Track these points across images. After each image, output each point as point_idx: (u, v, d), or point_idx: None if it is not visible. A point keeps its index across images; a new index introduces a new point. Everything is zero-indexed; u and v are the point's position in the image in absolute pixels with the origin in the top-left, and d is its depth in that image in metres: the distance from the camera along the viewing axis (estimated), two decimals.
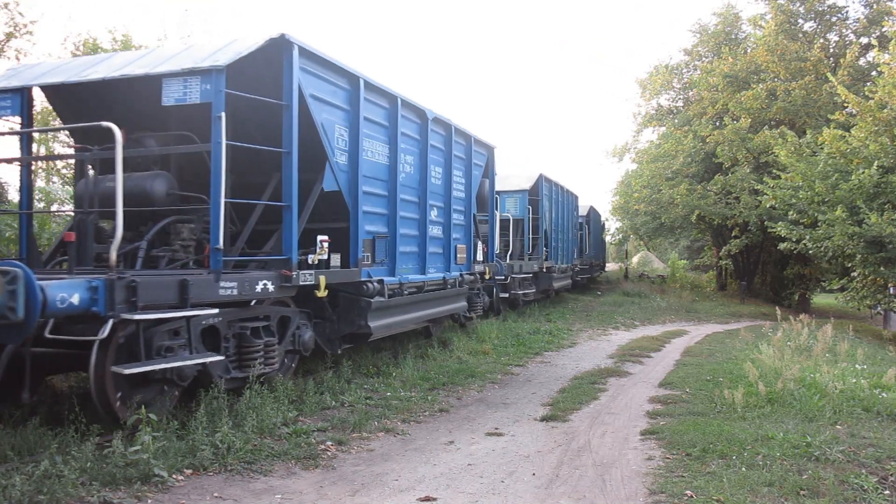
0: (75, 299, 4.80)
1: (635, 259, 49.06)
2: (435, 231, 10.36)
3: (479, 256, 12.48)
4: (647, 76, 31.58)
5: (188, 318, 5.66)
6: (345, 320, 8.16)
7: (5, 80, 7.07)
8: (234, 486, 4.78)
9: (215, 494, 4.61)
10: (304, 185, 6.99)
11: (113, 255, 5.18)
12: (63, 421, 5.35)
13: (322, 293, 7.20)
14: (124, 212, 5.43)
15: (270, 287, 6.51)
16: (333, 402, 7.21)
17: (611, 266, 40.71)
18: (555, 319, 16.87)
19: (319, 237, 7.19)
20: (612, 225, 38.19)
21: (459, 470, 5.31)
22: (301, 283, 6.84)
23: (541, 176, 18.57)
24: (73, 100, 7.45)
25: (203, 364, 5.87)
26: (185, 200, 7.13)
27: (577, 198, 24.03)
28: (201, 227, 6.99)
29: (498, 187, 16.34)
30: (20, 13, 17.08)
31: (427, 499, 4.66)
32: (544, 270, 18.59)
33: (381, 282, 8.40)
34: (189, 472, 4.94)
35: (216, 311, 5.89)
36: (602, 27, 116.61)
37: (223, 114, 5.84)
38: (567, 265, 22.06)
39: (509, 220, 16.91)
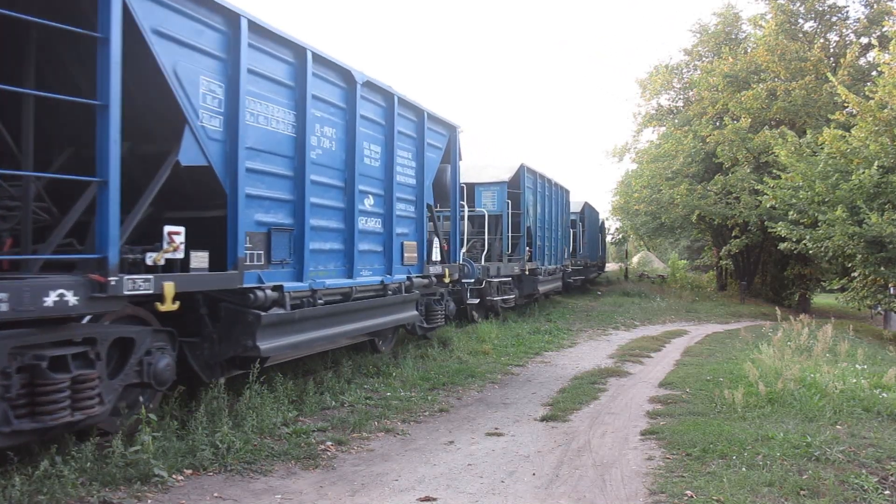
0: None
1: (635, 259, 49.09)
2: (369, 224, 8.35)
3: (437, 256, 10.47)
4: (647, 76, 31.61)
5: None
6: (227, 340, 6.13)
7: None
8: (234, 486, 4.78)
9: (215, 494, 4.61)
10: (152, 158, 5.44)
11: None
12: None
13: (168, 306, 5.15)
14: None
15: (72, 299, 4.46)
16: (333, 402, 7.21)
17: (611, 266, 40.73)
18: (555, 319, 16.86)
19: (167, 228, 5.23)
20: (612, 225, 38.28)
21: (459, 470, 5.31)
22: (128, 291, 4.80)
23: (522, 166, 16.29)
24: None
25: None
26: None
27: (567, 192, 22.29)
28: None
29: (472, 179, 14.89)
30: None
31: (427, 499, 4.66)
32: (527, 273, 16.49)
33: (278, 288, 6.47)
34: (189, 472, 4.94)
35: None
36: (602, 27, 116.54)
37: None
38: (556, 266, 20.06)
39: (485, 216, 14.78)
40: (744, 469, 5.15)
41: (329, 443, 5.87)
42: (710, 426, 6.38)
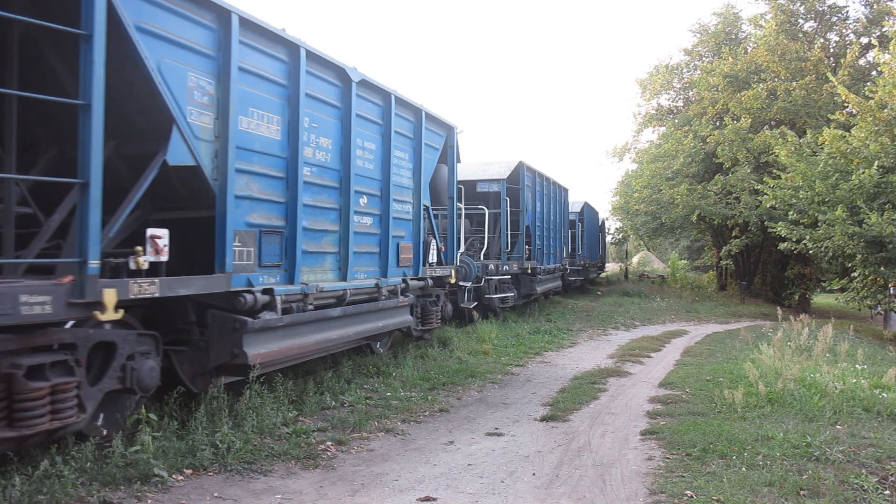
0: None
1: (635, 259, 49.17)
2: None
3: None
4: (647, 76, 31.62)
5: None
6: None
7: None
8: (234, 486, 4.78)
9: (215, 494, 4.61)
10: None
11: None
12: None
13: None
14: None
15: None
16: (333, 402, 7.21)
17: (611, 266, 40.70)
18: (555, 319, 16.85)
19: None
20: (612, 225, 38.28)
21: (459, 470, 5.31)
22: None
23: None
24: None
25: None
26: None
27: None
28: None
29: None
30: None
31: (427, 499, 4.66)
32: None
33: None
34: (189, 472, 4.94)
35: None
36: (602, 27, 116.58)
37: None
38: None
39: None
40: (744, 469, 5.15)
41: (329, 443, 5.87)
42: (709, 426, 6.38)
